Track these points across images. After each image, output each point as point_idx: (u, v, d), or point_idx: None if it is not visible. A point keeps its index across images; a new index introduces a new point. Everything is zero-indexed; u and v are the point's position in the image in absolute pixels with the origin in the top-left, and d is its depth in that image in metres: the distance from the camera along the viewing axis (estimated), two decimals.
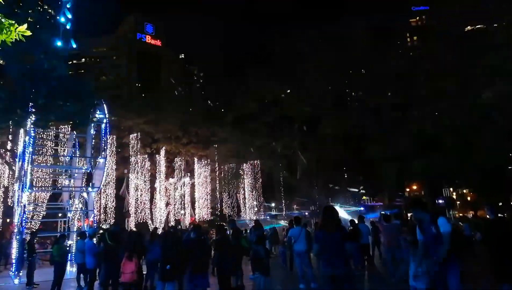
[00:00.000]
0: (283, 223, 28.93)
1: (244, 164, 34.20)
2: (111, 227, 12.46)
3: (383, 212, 12.70)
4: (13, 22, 10.30)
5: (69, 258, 14.14)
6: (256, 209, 34.00)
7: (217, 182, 34.58)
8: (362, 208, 32.65)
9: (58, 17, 15.45)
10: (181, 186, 33.73)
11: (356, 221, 13.60)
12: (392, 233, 10.92)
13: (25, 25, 10.28)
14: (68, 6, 15.02)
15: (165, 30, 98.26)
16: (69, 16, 15.56)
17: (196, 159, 34.02)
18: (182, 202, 33.42)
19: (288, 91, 37.09)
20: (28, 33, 10.62)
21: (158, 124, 32.98)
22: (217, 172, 34.33)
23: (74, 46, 16.13)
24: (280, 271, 13.07)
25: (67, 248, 13.25)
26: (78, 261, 11.85)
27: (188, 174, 34.06)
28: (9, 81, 19.31)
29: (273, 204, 38.03)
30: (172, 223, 29.26)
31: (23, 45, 12.01)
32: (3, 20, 10.66)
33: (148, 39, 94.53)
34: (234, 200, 35.64)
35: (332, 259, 5.71)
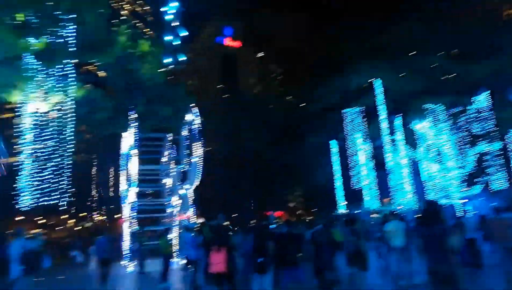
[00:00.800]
0: (375, 216, 27.90)
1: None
2: (210, 221, 13.30)
3: (495, 204, 11.57)
4: (117, 38, 11.39)
5: (174, 250, 15.42)
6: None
7: None
8: (466, 200, 30.01)
9: (163, 34, 17.00)
10: None
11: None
12: (502, 227, 9.91)
13: (126, 40, 11.31)
14: (176, 24, 16.51)
15: (244, 31, 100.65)
16: (185, 33, 17.06)
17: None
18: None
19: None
20: (130, 45, 11.66)
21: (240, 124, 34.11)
22: None
23: (185, 58, 17.60)
24: (375, 266, 12.68)
25: (171, 241, 14.49)
26: (183, 253, 12.87)
27: None
28: (112, 92, 21.53)
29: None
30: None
31: (123, 58, 13.28)
32: (108, 37, 11.81)
33: (227, 41, 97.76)
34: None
35: (433, 254, 5.46)
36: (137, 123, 19.10)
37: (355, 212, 30.25)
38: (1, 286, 8.96)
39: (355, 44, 36.40)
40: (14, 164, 14.13)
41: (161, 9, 18.24)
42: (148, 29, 22.15)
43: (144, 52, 13.30)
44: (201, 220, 23.98)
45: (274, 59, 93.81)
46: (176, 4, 17.08)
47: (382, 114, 31.60)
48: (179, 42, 16.81)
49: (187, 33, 16.67)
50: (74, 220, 52.88)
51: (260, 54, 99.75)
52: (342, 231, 12.19)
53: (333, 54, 39.38)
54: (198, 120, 20.81)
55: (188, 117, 20.86)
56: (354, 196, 34.42)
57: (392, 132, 31.53)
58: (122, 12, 19.79)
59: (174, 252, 15.17)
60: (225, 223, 17.89)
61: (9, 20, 9.42)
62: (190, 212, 20.31)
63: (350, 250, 9.59)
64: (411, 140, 32.45)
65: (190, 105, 20.22)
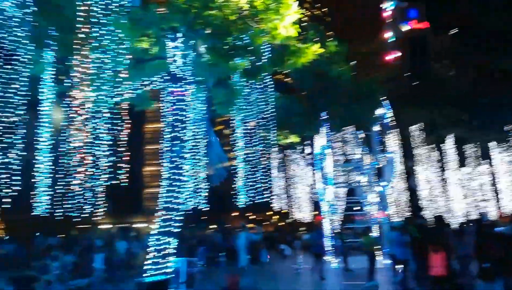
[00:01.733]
0: None
1: None
2: (417, 220, 12.50)
3: None
4: (308, 45, 11.88)
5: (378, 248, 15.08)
6: None
7: None
8: None
9: None
10: (478, 175, 29.96)
11: None
12: None
13: (318, 44, 11.64)
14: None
15: (432, 9, 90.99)
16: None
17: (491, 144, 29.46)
18: (483, 194, 29.64)
19: None
20: (321, 50, 11.99)
21: (439, 111, 30.60)
22: None
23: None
24: None
25: (375, 239, 14.21)
26: (389, 252, 12.48)
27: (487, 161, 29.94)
28: (303, 96, 22.78)
29: None
30: (474, 217, 26.30)
31: (313, 62, 13.85)
32: (299, 45, 12.42)
33: (413, 24, 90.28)
34: None
35: None
36: (328, 123, 19.65)
37: None
38: (233, 271, 10.63)
39: None
40: (230, 168, 16.40)
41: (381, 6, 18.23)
42: (328, 30, 22.51)
43: (331, 52, 13.57)
44: (399, 219, 22.76)
45: (471, 35, 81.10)
46: (393, 2, 17.00)
47: None
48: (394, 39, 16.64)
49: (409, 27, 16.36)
50: (278, 216, 58.45)
51: (453, 31, 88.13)
52: None
53: None
54: (390, 113, 19.87)
55: (379, 111, 20.18)
56: None
57: None
58: (303, 19, 20.71)
59: (378, 250, 14.81)
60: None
61: (221, 46, 10.98)
62: (390, 210, 19.49)
63: None
64: None
65: (381, 98, 19.50)
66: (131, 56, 9.46)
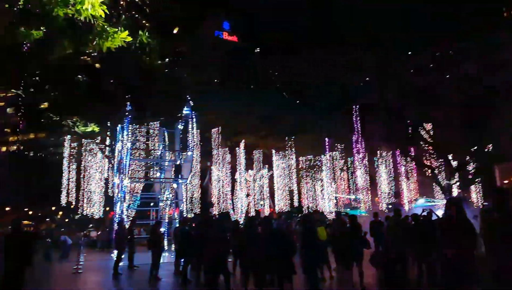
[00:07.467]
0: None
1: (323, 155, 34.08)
2: (199, 216, 13.41)
3: None
4: (116, 30, 11.19)
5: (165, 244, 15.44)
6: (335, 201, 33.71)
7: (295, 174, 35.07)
8: None
9: None
10: (260, 178, 34.72)
11: None
12: None
13: (126, 32, 11.11)
14: None
15: (243, 25, 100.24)
16: None
17: (274, 151, 34.77)
18: (261, 194, 34.49)
19: None
20: (130, 38, 11.47)
21: (238, 118, 34.07)
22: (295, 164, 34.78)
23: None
24: None
25: (162, 234, 14.51)
26: (174, 247, 12.92)
27: (267, 166, 34.95)
28: (108, 83, 21.42)
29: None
30: (252, 214, 30.23)
31: (120, 49, 13.23)
32: (107, 28, 11.57)
33: (225, 36, 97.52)
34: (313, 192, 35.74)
35: None
36: (130, 116, 19.07)
37: None
38: None
39: None
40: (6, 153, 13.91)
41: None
42: (145, 21, 22.03)
43: (143, 44, 13.18)
44: (190, 215, 24.09)
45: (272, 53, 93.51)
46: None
47: None
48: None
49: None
50: (62, 212, 52.69)
51: (257, 50, 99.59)
52: None
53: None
54: (194, 114, 20.87)
55: (185, 110, 20.91)
56: None
57: None
58: (121, 2, 19.65)
59: (165, 245, 15.23)
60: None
61: (10, 7, 9.20)
62: (182, 206, 20.38)
63: None
64: None
65: (188, 98, 20.25)
66: None
